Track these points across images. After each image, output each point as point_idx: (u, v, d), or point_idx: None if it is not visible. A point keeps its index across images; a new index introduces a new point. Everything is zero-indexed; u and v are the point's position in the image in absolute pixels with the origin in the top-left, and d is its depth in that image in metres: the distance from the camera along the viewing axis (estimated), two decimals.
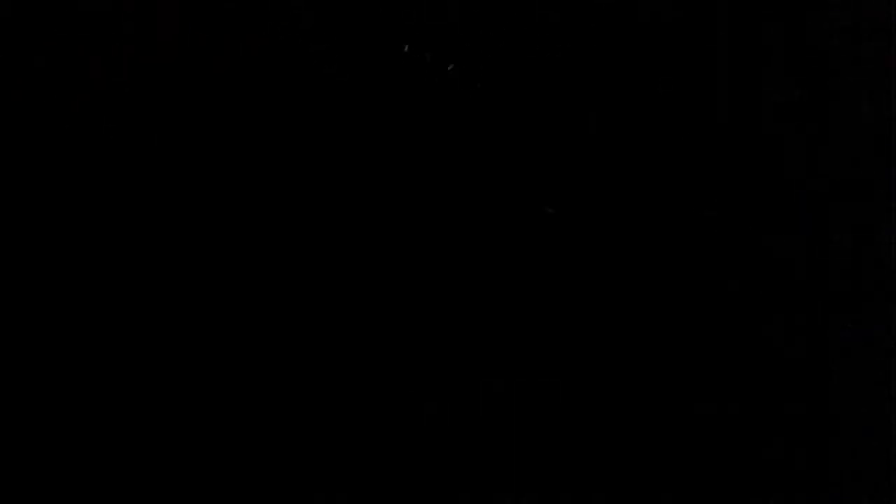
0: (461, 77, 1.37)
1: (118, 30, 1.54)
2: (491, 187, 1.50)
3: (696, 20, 1.51)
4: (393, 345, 1.53)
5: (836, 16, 1.48)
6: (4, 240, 1.54)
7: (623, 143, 1.50)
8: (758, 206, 1.52)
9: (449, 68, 1.26)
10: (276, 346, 1.54)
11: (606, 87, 1.49)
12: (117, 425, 1.52)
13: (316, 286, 1.53)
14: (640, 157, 1.50)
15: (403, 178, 1.52)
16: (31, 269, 1.54)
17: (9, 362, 1.53)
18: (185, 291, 1.54)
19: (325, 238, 1.54)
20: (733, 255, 1.52)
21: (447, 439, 1.52)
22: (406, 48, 1.25)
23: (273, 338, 1.54)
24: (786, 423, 1.50)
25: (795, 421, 1.50)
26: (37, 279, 1.54)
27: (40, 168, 1.54)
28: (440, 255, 1.52)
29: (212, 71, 1.53)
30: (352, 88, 1.51)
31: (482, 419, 1.52)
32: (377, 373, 1.52)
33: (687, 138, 1.50)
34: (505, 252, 1.51)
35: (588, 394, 1.52)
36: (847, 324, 1.48)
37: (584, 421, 1.51)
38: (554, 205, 1.38)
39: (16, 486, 1.51)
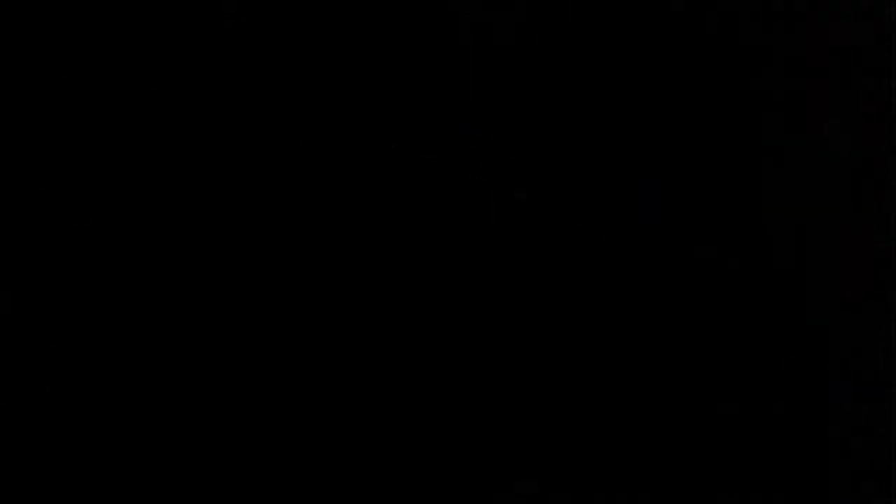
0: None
1: (115, 28, 1.54)
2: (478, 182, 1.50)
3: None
4: (388, 343, 1.53)
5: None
6: (4, 239, 1.54)
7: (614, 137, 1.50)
8: (756, 204, 1.52)
9: None
10: (274, 346, 1.54)
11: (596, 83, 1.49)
12: (115, 425, 1.52)
13: (308, 283, 1.53)
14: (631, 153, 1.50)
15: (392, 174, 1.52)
16: (30, 269, 1.55)
17: (8, 362, 1.53)
18: (180, 290, 1.54)
19: (312, 233, 1.54)
20: (731, 254, 1.52)
21: (445, 438, 1.52)
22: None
23: (271, 337, 1.54)
24: (785, 423, 1.50)
25: (795, 421, 1.50)
26: (36, 278, 1.54)
27: (39, 167, 1.54)
28: (433, 251, 1.52)
29: (209, 70, 1.53)
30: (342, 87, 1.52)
31: (478, 419, 1.52)
32: (372, 371, 1.52)
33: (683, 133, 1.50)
34: (496, 248, 1.51)
35: (583, 393, 1.51)
36: (847, 323, 1.48)
37: (581, 420, 1.51)
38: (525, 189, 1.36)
39: (15, 485, 1.51)
